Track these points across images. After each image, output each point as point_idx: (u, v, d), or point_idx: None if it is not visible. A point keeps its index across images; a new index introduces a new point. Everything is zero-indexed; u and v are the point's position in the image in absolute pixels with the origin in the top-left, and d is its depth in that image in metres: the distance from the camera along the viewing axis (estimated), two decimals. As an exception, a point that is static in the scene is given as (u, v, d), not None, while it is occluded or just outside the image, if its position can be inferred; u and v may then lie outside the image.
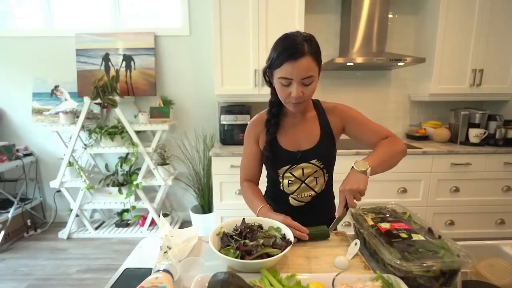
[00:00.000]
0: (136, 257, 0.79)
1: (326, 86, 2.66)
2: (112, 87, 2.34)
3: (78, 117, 2.43)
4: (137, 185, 2.46)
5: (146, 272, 0.65)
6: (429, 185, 2.28)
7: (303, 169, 1.01)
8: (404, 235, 0.71)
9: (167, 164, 2.62)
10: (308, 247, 0.82)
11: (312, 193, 1.04)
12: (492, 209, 2.35)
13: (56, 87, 2.64)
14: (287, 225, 0.81)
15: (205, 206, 2.60)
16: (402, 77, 2.68)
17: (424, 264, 0.59)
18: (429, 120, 2.72)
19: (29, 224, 2.72)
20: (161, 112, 2.47)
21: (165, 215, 2.70)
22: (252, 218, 0.84)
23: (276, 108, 1.01)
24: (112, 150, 2.46)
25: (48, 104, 2.65)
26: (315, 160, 1.00)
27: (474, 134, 2.33)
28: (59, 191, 2.62)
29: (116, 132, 2.47)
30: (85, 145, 2.50)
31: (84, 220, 2.66)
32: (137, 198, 2.59)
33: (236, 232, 0.75)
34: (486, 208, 2.35)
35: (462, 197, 2.32)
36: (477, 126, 2.38)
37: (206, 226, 2.56)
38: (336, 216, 0.86)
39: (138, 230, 2.68)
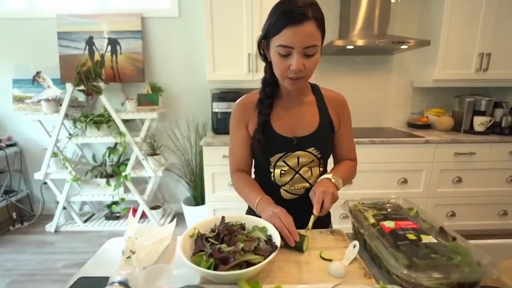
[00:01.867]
0: (98, 261, 0.67)
1: (323, 72, 2.51)
2: (96, 72, 2.19)
3: (61, 105, 2.28)
4: (125, 176, 2.35)
5: (103, 282, 0.54)
6: (430, 176, 2.18)
7: (298, 158, 0.89)
8: (412, 237, 0.60)
9: (158, 154, 2.50)
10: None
11: (306, 185, 0.93)
12: (495, 200, 2.26)
13: (38, 73, 2.49)
14: (280, 223, 0.71)
15: (198, 198, 2.49)
16: (405, 63, 2.54)
17: (438, 276, 0.48)
18: (432, 108, 2.60)
19: (14, 217, 2.62)
20: (149, 99, 2.33)
21: (156, 207, 2.61)
22: (234, 215, 0.73)
23: (270, 88, 0.88)
24: (98, 140, 2.34)
25: (30, 92, 2.50)
26: (313, 148, 0.89)
27: (479, 122, 2.22)
28: (45, 183, 2.50)
29: (103, 121, 2.33)
30: (70, 134, 2.37)
31: (72, 213, 2.55)
32: (127, 190, 2.48)
33: (213, 233, 0.64)
34: (489, 199, 2.26)
35: (464, 188, 2.22)
36: (482, 113, 2.26)
37: (199, 219, 2.45)
38: (315, 214, 0.78)
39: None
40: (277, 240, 0.63)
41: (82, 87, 2.19)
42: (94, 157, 2.65)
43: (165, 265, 0.57)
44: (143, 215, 2.59)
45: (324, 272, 0.61)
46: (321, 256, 0.67)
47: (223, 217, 0.70)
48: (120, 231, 2.50)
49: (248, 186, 0.91)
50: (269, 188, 0.93)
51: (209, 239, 0.62)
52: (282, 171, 0.91)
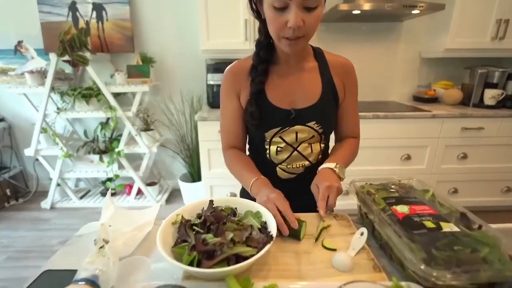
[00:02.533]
0: (70, 251, 0.60)
1: (326, 41, 2.34)
2: (81, 41, 2.02)
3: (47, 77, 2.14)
4: (118, 152, 2.26)
5: (71, 276, 0.46)
6: (435, 152, 2.10)
7: (297, 133, 0.79)
8: (430, 224, 0.51)
9: (151, 130, 2.39)
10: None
11: (306, 163, 0.84)
12: (499, 176, 2.20)
13: (20, 42, 2.31)
14: (274, 209, 0.62)
15: (195, 174, 2.43)
16: (414, 31, 2.35)
17: (465, 275, 0.40)
18: (440, 80, 2.45)
19: (9, 193, 2.57)
20: (140, 71, 2.18)
21: (153, 184, 2.55)
22: (224, 199, 0.64)
23: (264, 51, 0.76)
24: (88, 115, 2.22)
25: (13, 63, 2.34)
26: (313, 122, 0.78)
27: (491, 95, 2.09)
28: (38, 159, 2.42)
29: (92, 94, 2.20)
30: (58, 109, 2.25)
31: (66, 190, 2.50)
32: (121, 166, 2.41)
33: (199, 220, 0.55)
34: (493, 176, 2.19)
35: (469, 164, 2.15)
36: (494, 86, 2.13)
37: (196, 196, 2.42)
38: (322, 216, 0.67)
39: (125, 199, 2.55)
40: (273, 229, 0.55)
41: (67, 58, 2.03)
42: (85, 132, 2.55)
43: (142, 257, 0.50)
44: (139, 192, 2.54)
45: (327, 265, 0.53)
46: (323, 245, 0.59)
47: (211, 201, 0.61)
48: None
49: (242, 165, 0.82)
50: (264, 166, 0.84)
51: (194, 226, 0.53)
52: (279, 148, 0.82)
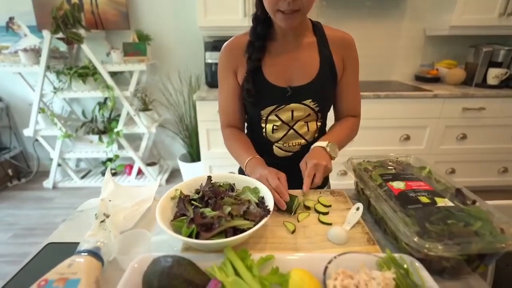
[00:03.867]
0: (72, 225, 0.61)
1: (328, 17, 2.26)
2: (75, 17, 1.96)
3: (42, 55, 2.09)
4: (117, 133, 2.26)
5: (73, 248, 0.47)
6: (435, 132, 2.10)
7: (292, 111, 0.79)
8: (425, 200, 0.52)
9: (150, 110, 2.37)
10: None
11: (302, 141, 0.84)
12: (497, 157, 2.21)
13: (11, 19, 2.24)
14: (268, 186, 0.63)
15: (194, 155, 2.44)
16: (420, 7, 2.27)
17: (457, 246, 0.41)
18: (444, 60, 2.40)
19: (11, 174, 2.60)
20: (136, 49, 2.13)
21: (153, 164, 2.57)
22: (222, 175, 0.65)
23: (261, 27, 0.74)
24: (85, 95, 2.20)
25: (6, 41, 2.28)
26: (309, 100, 0.77)
27: (494, 75, 2.05)
28: (37, 139, 2.43)
29: (88, 73, 2.16)
30: (54, 88, 2.22)
31: (67, 170, 2.52)
32: (121, 146, 2.42)
33: (198, 195, 0.56)
34: (491, 157, 2.21)
35: (468, 145, 2.15)
36: (498, 65, 2.09)
37: (196, 176, 2.43)
38: (304, 190, 0.68)
39: (126, 179, 2.57)
40: (270, 203, 0.56)
41: (61, 35, 1.98)
42: (84, 113, 2.53)
43: (142, 230, 0.51)
44: (140, 172, 2.56)
45: (322, 238, 0.54)
46: (319, 220, 0.60)
47: (209, 177, 0.62)
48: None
49: (239, 144, 0.82)
50: (261, 144, 0.85)
51: (193, 201, 0.54)
52: (275, 127, 0.81)
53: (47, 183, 2.52)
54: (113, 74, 2.20)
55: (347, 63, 0.80)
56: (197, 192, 0.58)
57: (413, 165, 0.69)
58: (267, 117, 0.81)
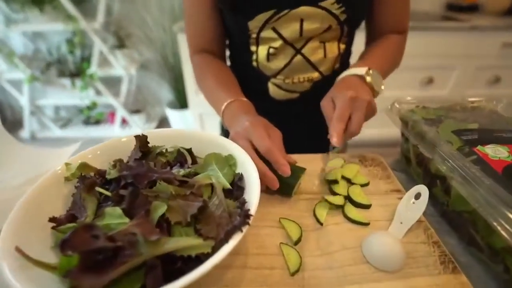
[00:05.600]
0: None
1: None
2: None
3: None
4: (91, 76, 1.94)
5: None
6: (464, 74, 1.77)
7: (302, 22, 0.49)
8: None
9: (127, 47, 2.01)
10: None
11: (314, 75, 0.56)
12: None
13: None
14: (249, 148, 0.38)
15: (182, 101, 2.15)
16: None
17: None
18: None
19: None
20: (99, -35, 1.67)
21: (138, 111, 2.30)
22: (173, 131, 0.39)
23: None
24: (45, 27, 1.82)
25: None
26: (333, 1, 0.47)
27: (549, 0, 1.64)
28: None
29: (45, 0, 1.74)
30: (6, 20, 1.82)
31: (43, 118, 2.27)
32: (99, 92, 2.12)
33: (110, 176, 0.30)
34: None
35: (500, 89, 1.85)
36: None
37: (186, 125, 2.19)
38: (334, 144, 0.40)
39: (109, 128, 2.34)
40: (254, 192, 0.29)
41: None
42: (50, 51, 2.16)
43: None
44: (125, 121, 2.31)
45: (353, 255, 0.31)
46: (346, 216, 0.36)
47: (140, 136, 0.35)
48: (100, 137, 2.27)
49: (216, 79, 0.54)
50: (250, 81, 0.57)
51: (99, 188, 0.28)
52: (271, 50, 0.53)
53: (24, 134, 2.30)
54: (77, 2, 1.77)
55: None
56: (115, 166, 0.32)
57: (503, 114, 0.41)
58: (258, 33, 0.51)
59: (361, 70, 0.46)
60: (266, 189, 0.39)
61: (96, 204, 0.27)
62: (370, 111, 0.43)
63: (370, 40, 0.60)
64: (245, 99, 0.50)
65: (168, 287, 0.20)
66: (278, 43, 0.52)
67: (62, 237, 0.21)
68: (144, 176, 0.28)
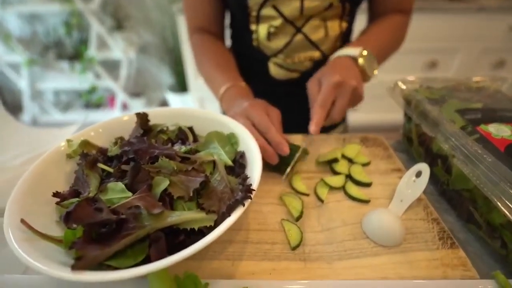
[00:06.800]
0: None
1: None
2: None
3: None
4: (90, 60, 1.91)
5: None
6: (468, 57, 1.74)
7: (302, 0, 0.47)
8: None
9: (125, 29, 1.96)
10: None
11: (315, 54, 0.55)
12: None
13: None
14: (249, 125, 0.37)
15: (182, 84, 2.13)
16: None
17: None
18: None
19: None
20: None
21: (137, 95, 2.28)
22: (176, 110, 0.39)
23: None
24: (40, 8, 1.78)
25: None
26: None
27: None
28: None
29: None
30: (2, 1, 1.77)
31: (43, 103, 2.26)
32: (98, 75, 2.09)
33: (112, 153, 0.30)
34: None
35: (504, 73, 1.81)
36: None
37: (186, 109, 2.18)
38: (311, 131, 0.39)
39: (110, 112, 2.33)
40: (256, 170, 0.29)
41: None
42: (47, 34, 2.11)
43: None
44: (125, 106, 2.30)
45: (353, 230, 0.31)
46: (347, 193, 0.37)
47: (141, 114, 0.35)
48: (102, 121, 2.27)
49: (214, 62, 0.54)
50: (250, 61, 0.56)
51: (101, 165, 0.29)
52: (272, 29, 0.51)
53: (26, 118, 2.30)
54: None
55: None
56: (116, 143, 0.32)
57: (506, 93, 0.41)
58: (258, 11, 0.50)
59: (355, 51, 0.45)
60: (268, 165, 0.39)
61: (99, 180, 0.27)
62: (356, 98, 0.42)
63: (373, 20, 0.58)
64: (243, 83, 0.50)
65: (171, 258, 0.21)
66: (278, 22, 0.51)
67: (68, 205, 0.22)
68: (146, 152, 0.28)
